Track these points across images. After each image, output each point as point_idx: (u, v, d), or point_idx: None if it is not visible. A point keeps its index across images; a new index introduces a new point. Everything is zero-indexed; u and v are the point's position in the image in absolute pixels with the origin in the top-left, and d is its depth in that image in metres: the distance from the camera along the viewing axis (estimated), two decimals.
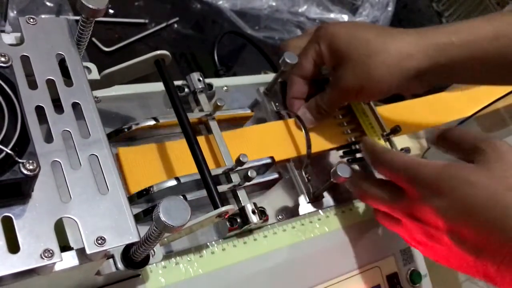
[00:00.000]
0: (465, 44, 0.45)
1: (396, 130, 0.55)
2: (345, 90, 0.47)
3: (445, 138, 0.45)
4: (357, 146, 0.55)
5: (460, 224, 0.38)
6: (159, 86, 0.45)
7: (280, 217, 0.47)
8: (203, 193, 0.40)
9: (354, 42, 0.46)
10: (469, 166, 0.39)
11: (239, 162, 0.42)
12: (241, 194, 0.44)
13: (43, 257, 0.27)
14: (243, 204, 0.43)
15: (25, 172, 0.26)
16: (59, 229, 0.29)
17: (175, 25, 0.74)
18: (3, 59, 0.30)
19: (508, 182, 0.37)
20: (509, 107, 0.67)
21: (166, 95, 0.42)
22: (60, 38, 0.35)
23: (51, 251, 0.27)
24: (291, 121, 0.52)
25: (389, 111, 0.60)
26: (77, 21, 0.59)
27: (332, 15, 0.85)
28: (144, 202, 0.41)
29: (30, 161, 0.27)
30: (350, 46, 0.46)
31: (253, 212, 0.43)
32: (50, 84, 0.33)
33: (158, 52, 0.40)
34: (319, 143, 0.53)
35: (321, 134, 0.53)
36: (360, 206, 0.52)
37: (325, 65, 0.51)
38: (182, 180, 0.40)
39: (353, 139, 0.55)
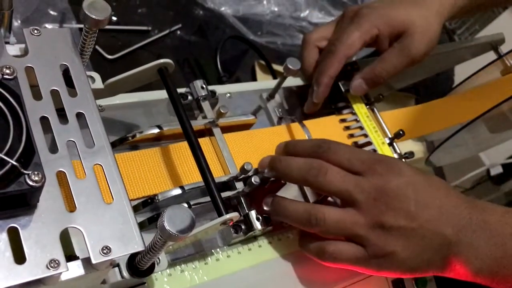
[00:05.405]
0: None
1: (400, 134, 0.55)
2: (417, 56, 0.56)
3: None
4: None
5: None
6: (162, 94, 0.45)
7: (284, 223, 0.47)
8: (207, 199, 0.40)
9: (413, 18, 0.56)
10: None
11: (243, 170, 0.42)
12: (245, 201, 0.44)
13: (49, 267, 0.27)
14: (247, 211, 0.43)
15: (31, 183, 0.27)
16: (65, 238, 0.29)
17: (178, 32, 0.74)
18: (8, 71, 0.30)
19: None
20: None
21: (169, 102, 0.42)
22: (64, 49, 0.35)
23: (57, 261, 0.27)
24: (294, 125, 0.53)
25: (393, 116, 0.60)
26: (80, 29, 0.60)
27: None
28: (149, 210, 0.41)
29: (36, 172, 0.27)
30: (410, 23, 0.55)
31: (258, 219, 0.43)
32: (55, 94, 0.33)
33: (162, 60, 0.40)
34: None
35: (325, 137, 0.53)
36: None
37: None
38: (186, 189, 0.40)
39: (358, 144, 0.55)
